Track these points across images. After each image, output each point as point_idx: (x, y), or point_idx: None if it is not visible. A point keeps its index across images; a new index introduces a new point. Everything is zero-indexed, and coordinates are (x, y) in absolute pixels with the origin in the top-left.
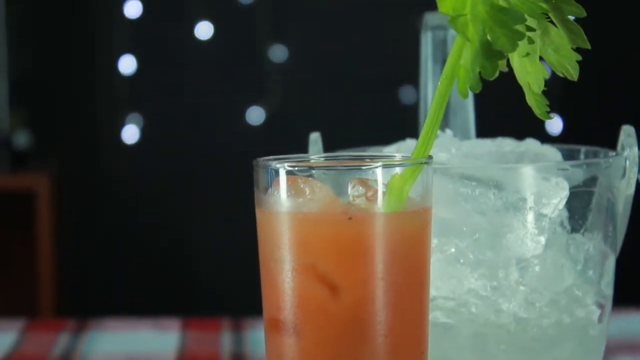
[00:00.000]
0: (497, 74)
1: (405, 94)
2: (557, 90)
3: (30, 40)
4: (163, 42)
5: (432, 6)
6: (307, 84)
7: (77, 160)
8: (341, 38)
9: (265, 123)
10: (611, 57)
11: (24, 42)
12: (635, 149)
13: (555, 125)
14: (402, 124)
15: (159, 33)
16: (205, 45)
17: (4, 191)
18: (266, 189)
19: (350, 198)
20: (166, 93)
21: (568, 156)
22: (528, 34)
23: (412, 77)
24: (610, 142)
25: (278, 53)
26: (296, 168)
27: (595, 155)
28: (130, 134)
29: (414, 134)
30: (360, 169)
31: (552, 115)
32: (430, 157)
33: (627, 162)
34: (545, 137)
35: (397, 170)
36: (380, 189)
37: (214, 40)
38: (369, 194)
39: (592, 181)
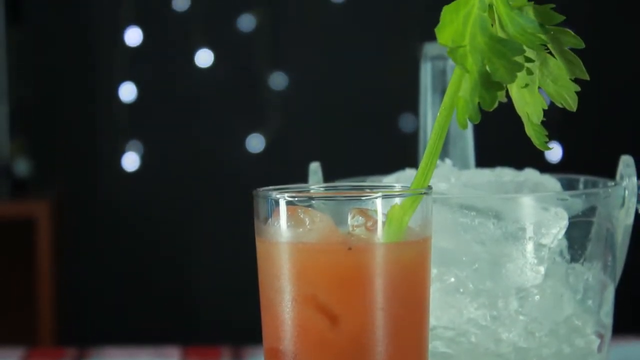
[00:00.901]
0: (496, 105)
1: (405, 122)
2: (556, 119)
3: (31, 67)
4: (163, 70)
5: (432, 36)
6: (307, 112)
7: (77, 187)
8: (341, 66)
9: (265, 151)
10: (610, 88)
11: (25, 69)
12: (634, 179)
13: (554, 153)
14: (402, 152)
15: (159, 61)
16: (206, 73)
17: (3, 218)
18: (266, 219)
19: (350, 228)
20: (166, 121)
21: (567, 186)
22: (527, 65)
23: (412, 105)
24: (609, 171)
25: (278, 81)
26: (296, 198)
27: (595, 185)
28: (131, 161)
29: (414, 163)
30: (360, 199)
31: (551, 145)
32: (430, 187)
33: (626, 192)
34: (544, 165)
35: (397, 200)
36: (380, 219)
37: (214, 67)
38: (369, 224)
39: (591, 211)
